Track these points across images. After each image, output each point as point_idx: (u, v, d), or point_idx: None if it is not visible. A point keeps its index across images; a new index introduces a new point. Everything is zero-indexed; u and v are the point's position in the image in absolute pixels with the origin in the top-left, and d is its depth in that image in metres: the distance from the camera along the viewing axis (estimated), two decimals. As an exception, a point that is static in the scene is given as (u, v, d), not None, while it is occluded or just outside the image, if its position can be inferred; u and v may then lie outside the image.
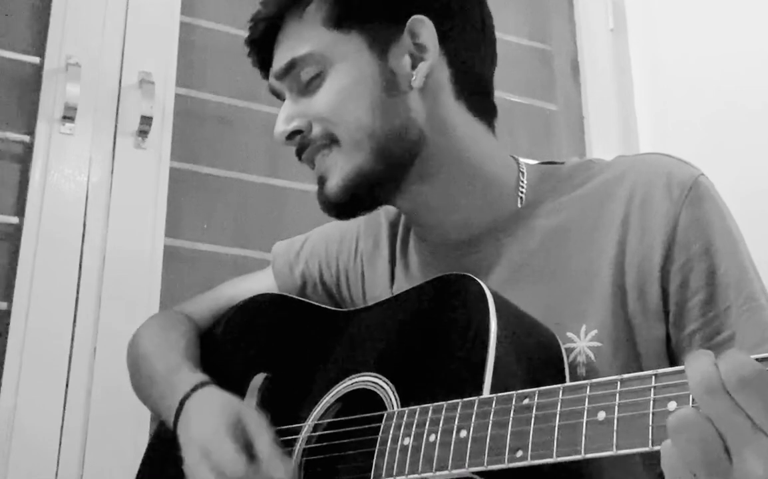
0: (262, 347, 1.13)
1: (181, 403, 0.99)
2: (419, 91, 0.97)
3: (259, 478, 0.86)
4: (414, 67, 0.96)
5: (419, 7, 0.97)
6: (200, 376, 1.03)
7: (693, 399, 0.58)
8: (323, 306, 1.14)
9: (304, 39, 0.97)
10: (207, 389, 1.00)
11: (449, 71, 0.99)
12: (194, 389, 1.00)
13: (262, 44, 1.02)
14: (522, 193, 1.01)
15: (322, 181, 0.99)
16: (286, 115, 1.00)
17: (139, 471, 1.17)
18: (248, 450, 0.89)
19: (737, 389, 0.55)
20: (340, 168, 0.97)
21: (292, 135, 1.00)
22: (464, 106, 1.00)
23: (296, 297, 1.19)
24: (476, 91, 1.01)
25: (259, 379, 1.04)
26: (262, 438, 0.90)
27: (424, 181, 0.98)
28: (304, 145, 0.99)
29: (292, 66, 0.98)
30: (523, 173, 1.03)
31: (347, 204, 0.99)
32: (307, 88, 0.98)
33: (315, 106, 0.97)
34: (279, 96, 1.04)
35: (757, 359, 0.56)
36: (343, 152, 0.96)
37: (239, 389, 1.03)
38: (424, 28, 0.97)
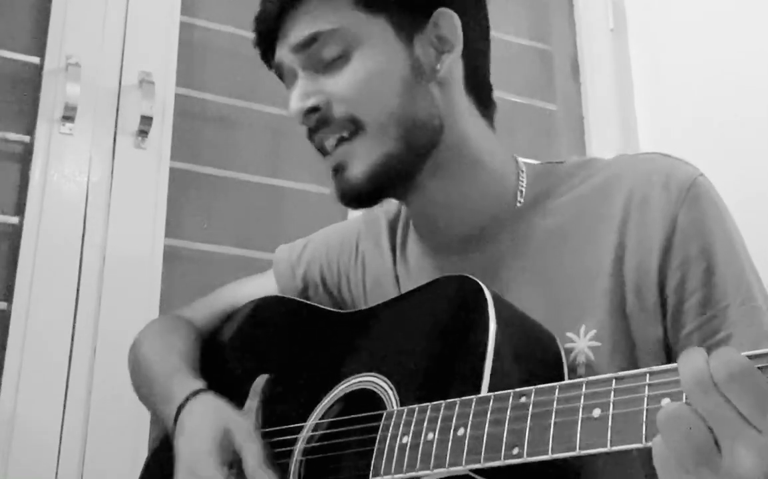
0: (266, 348, 1.13)
1: (177, 412, 1.00)
2: (438, 83, 0.97)
3: None
4: (437, 58, 0.97)
5: (444, 0, 0.97)
6: (196, 384, 1.03)
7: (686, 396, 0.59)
8: (325, 308, 1.13)
9: (331, 15, 0.95)
10: (200, 397, 1.00)
11: (462, 66, 0.99)
12: (188, 398, 1.00)
13: (278, 15, 0.97)
14: (522, 191, 1.01)
15: (341, 168, 0.96)
16: (303, 92, 0.96)
17: (143, 472, 1.17)
18: (237, 461, 0.90)
19: (727, 384, 0.56)
20: (365, 155, 0.94)
21: (308, 112, 0.96)
22: (473, 101, 1.01)
23: (299, 299, 1.19)
24: (481, 86, 1.02)
25: (261, 381, 1.04)
26: (250, 451, 0.90)
27: (435, 175, 0.98)
28: (321, 122, 0.96)
29: (313, 40, 0.95)
30: (522, 172, 1.03)
31: (370, 193, 0.96)
32: (327, 67, 0.95)
33: (338, 85, 0.95)
34: (283, 76, 1.01)
35: (747, 356, 0.56)
36: (368, 138, 0.94)
37: (243, 391, 1.03)
38: (448, 21, 0.97)
